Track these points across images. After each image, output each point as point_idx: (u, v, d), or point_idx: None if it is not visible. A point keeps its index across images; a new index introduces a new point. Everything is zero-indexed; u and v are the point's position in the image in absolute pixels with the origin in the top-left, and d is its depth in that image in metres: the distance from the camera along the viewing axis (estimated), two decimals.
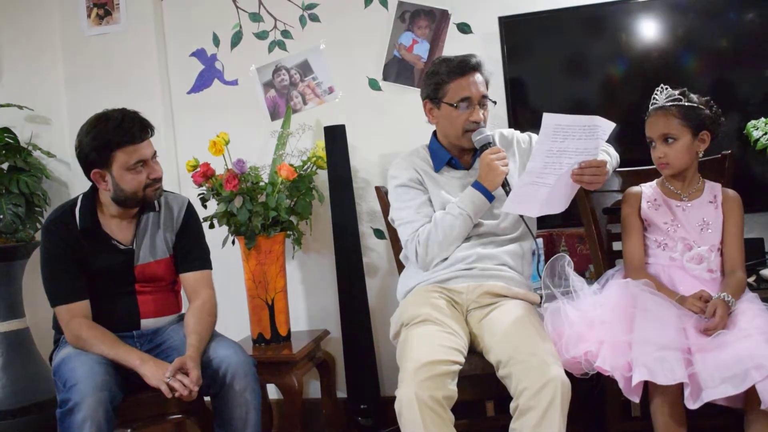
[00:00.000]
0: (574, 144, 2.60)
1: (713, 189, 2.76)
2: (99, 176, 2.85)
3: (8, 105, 4.08)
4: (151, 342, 2.95)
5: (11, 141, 4.08)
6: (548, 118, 2.56)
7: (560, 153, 2.62)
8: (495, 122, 3.52)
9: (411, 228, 2.90)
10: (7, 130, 4.09)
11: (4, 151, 4.04)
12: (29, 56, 4.26)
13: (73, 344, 2.83)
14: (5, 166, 4.03)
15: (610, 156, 2.89)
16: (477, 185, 2.80)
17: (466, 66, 2.91)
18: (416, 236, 2.88)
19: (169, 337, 2.95)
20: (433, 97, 2.95)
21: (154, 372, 2.69)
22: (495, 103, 3.00)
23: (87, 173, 2.88)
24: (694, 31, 3.37)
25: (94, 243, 2.90)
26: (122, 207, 2.91)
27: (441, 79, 2.92)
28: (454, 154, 2.99)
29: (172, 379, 2.65)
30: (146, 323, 2.96)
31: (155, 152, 2.92)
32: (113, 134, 2.80)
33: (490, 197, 2.80)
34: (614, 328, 2.47)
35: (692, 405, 2.32)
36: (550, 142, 2.60)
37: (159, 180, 2.92)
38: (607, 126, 2.58)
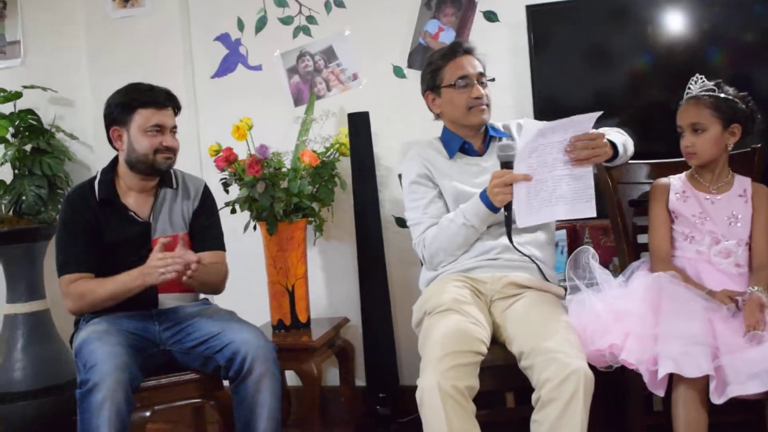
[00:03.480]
0: (557, 138, 2.62)
1: (743, 183, 2.72)
2: (117, 134, 2.95)
3: (32, 87, 4.08)
4: (171, 321, 2.95)
5: (34, 123, 4.09)
6: (528, 124, 2.65)
7: (543, 148, 2.62)
8: (521, 111, 3.50)
9: (418, 230, 2.90)
10: (30, 111, 4.10)
11: (27, 133, 4.06)
12: (53, 38, 4.27)
13: (76, 308, 2.87)
14: (28, 147, 4.05)
15: (624, 136, 2.85)
16: (483, 196, 2.72)
17: (458, 48, 2.94)
18: (422, 240, 2.88)
19: (190, 315, 2.96)
20: (432, 86, 2.96)
21: (154, 274, 2.75)
22: (494, 80, 2.98)
23: (108, 131, 2.97)
24: (720, 24, 3.32)
25: (112, 214, 2.93)
26: (135, 173, 2.95)
27: (437, 66, 2.94)
28: (467, 139, 2.97)
29: (166, 269, 2.73)
30: (164, 299, 2.97)
31: (175, 126, 3.01)
32: (139, 94, 2.93)
33: (496, 210, 2.73)
34: (640, 320, 2.44)
35: (718, 400, 2.29)
36: (532, 142, 2.61)
37: (172, 150, 2.97)
38: (587, 119, 2.61)
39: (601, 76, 3.52)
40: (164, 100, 2.95)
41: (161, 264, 2.73)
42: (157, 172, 2.97)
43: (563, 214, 2.71)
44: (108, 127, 2.96)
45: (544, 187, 2.64)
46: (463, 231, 2.78)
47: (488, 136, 2.98)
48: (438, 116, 3.05)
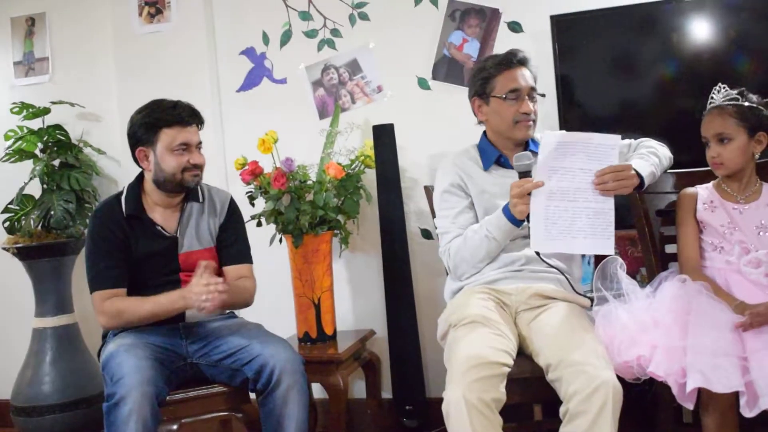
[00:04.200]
0: (578, 164, 2.60)
1: None
2: (143, 155, 2.94)
3: (60, 102, 4.13)
4: (197, 335, 2.95)
5: (63, 138, 4.14)
6: (547, 137, 2.61)
7: (565, 172, 2.61)
8: (545, 122, 3.48)
9: (445, 239, 2.90)
10: (59, 127, 4.15)
11: (55, 148, 4.10)
12: (81, 54, 4.33)
13: (110, 325, 2.88)
14: (57, 162, 4.10)
15: (658, 156, 2.82)
16: (506, 210, 2.70)
17: (513, 59, 2.90)
18: (448, 249, 2.87)
19: (217, 329, 2.97)
20: (481, 93, 2.93)
21: (190, 288, 2.76)
22: (544, 96, 2.97)
23: (133, 153, 2.97)
24: (747, 32, 3.30)
25: (139, 229, 2.95)
26: (163, 191, 2.96)
27: (489, 74, 2.91)
28: (504, 152, 2.95)
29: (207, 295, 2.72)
30: (191, 313, 2.96)
31: (200, 142, 3.00)
32: (162, 114, 2.91)
33: (518, 224, 2.71)
34: (668, 332, 2.41)
35: (749, 413, 2.26)
36: (552, 160, 2.60)
37: (199, 167, 2.97)
38: (611, 142, 2.61)
39: (627, 85, 3.49)
40: (188, 117, 2.94)
41: (204, 291, 2.72)
42: (186, 189, 2.99)
43: (582, 249, 2.72)
44: (133, 147, 2.97)
45: (564, 215, 2.62)
46: (486, 243, 2.76)
47: (527, 149, 2.95)
48: (481, 122, 3.03)
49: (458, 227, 2.87)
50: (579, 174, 2.61)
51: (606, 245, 2.63)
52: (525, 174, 2.65)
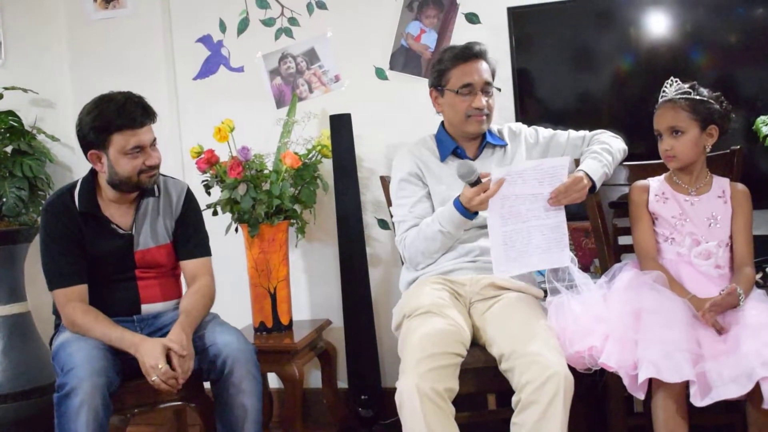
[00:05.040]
0: (529, 190, 2.63)
1: (721, 184, 2.73)
2: (95, 157, 2.83)
3: (13, 88, 4.06)
4: (151, 326, 2.93)
5: (15, 124, 4.06)
6: (495, 173, 2.61)
7: (515, 198, 2.63)
8: (502, 114, 3.49)
9: (401, 228, 2.91)
10: (11, 113, 4.07)
11: (8, 135, 4.03)
12: (35, 39, 4.24)
13: (70, 329, 2.82)
14: (9, 149, 4.02)
15: (612, 152, 2.85)
16: (458, 204, 2.70)
17: (469, 52, 2.91)
18: (404, 239, 2.89)
19: (170, 320, 2.92)
20: (437, 85, 2.95)
21: (149, 358, 2.65)
22: (500, 90, 2.98)
23: (85, 153, 2.87)
24: (703, 26, 3.33)
25: (94, 227, 2.88)
26: (117, 191, 2.89)
27: (445, 66, 2.92)
28: (460, 143, 2.97)
29: (161, 374, 2.63)
30: (147, 308, 2.94)
31: (155, 139, 2.89)
32: (113, 116, 2.77)
33: (471, 216, 2.72)
34: (620, 323, 2.44)
35: (700, 402, 2.29)
36: (503, 189, 2.61)
37: (155, 167, 2.88)
38: (559, 163, 2.65)
39: (583, 77, 3.52)
40: (140, 117, 2.80)
41: (159, 374, 2.63)
42: (142, 190, 2.91)
43: (539, 265, 2.75)
44: (85, 149, 2.85)
45: (519, 237, 2.66)
46: (440, 237, 2.78)
47: (484, 141, 2.98)
48: (439, 112, 3.05)
49: (415, 217, 2.88)
50: (530, 198, 2.65)
51: (561, 257, 2.70)
52: (474, 183, 2.64)
